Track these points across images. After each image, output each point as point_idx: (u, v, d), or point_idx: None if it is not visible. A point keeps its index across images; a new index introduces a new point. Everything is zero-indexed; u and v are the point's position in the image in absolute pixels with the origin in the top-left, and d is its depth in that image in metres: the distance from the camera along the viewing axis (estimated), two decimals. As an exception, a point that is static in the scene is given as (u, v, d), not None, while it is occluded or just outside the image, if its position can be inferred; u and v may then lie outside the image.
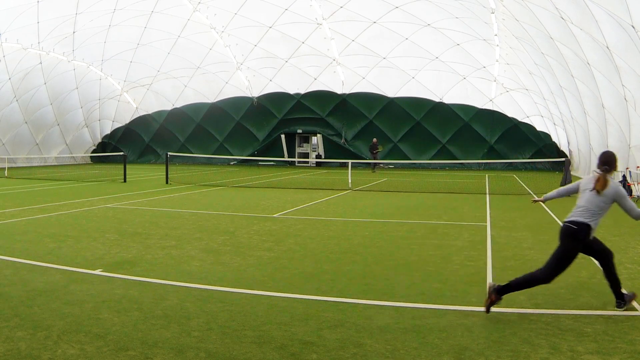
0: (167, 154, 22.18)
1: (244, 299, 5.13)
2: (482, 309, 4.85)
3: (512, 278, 5.90)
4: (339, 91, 34.55)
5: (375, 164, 29.28)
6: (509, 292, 4.75)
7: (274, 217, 10.91)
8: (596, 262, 5.10)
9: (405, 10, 26.66)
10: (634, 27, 12.27)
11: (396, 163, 33.04)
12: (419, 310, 4.78)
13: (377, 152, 29.70)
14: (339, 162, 31.00)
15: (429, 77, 31.55)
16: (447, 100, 32.58)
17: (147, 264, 6.57)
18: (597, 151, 20.77)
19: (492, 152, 32.03)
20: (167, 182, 19.60)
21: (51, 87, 32.67)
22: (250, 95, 36.25)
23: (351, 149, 34.12)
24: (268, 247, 7.67)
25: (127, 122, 39.56)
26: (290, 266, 6.48)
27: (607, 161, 4.98)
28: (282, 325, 4.35)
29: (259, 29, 30.27)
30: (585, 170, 24.22)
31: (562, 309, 4.83)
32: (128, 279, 5.79)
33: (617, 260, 6.84)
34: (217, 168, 32.11)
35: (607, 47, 14.32)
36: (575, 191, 5.20)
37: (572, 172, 19.75)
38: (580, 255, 7.21)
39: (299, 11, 28.24)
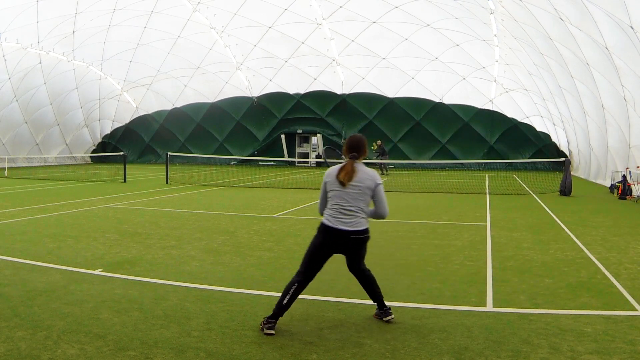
0: (167, 154, 22.17)
1: (244, 299, 5.13)
2: (482, 309, 4.85)
3: (512, 278, 5.93)
4: (338, 91, 34.56)
5: (383, 166, 28.07)
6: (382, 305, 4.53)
7: (274, 217, 10.91)
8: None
9: (405, 11, 26.67)
10: (632, 28, 12.29)
11: (396, 163, 33.03)
12: (419, 310, 4.78)
13: (385, 155, 28.37)
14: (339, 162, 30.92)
15: (428, 78, 31.56)
16: (447, 100, 32.59)
17: (147, 264, 6.57)
18: (597, 151, 20.81)
19: (492, 152, 32.05)
20: (167, 182, 19.59)
21: (51, 87, 32.66)
22: (250, 95, 36.25)
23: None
24: (268, 247, 7.67)
25: (127, 122, 39.56)
26: (290, 266, 6.48)
27: (355, 146, 4.39)
28: (282, 325, 4.35)
29: (259, 29, 30.27)
30: (585, 170, 24.24)
31: (562, 309, 4.83)
32: (128, 279, 5.79)
33: (617, 260, 6.89)
34: (217, 168, 32.11)
35: (606, 48, 14.33)
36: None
37: (572, 172, 19.75)
38: (580, 255, 7.25)
39: (298, 11, 28.24)
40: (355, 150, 4.35)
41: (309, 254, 4.36)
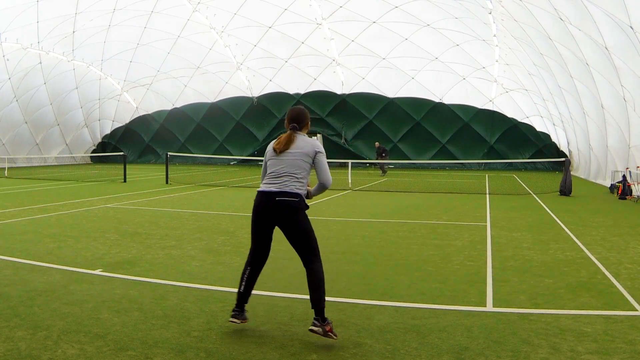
0: (167, 154, 22.18)
1: (244, 299, 5.13)
2: (482, 309, 4.85)
3: (512, 278, 5.93)
4: (338, 91, 34.56)
5: (382, 166, 28.17)
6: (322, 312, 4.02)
7: (274, 217, 10.89)
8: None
9: (404, 10, 26.67)
10: (632, 28, 12.29)
11: (396, 163, 33.04)
12: (419, 310, 4.78)
13: (385, 155, 27.89)
14: (339, 162, 31.00)
15: (428, 78, 31.57)
16: (447, 100, 32.59)
17: (147, 264, 6.57)
18: (597, 151, 20.82)
19: (492, 152, 32.05)
20: (167, 182, 19.59)
21: (51, 87, 32.67)
22: (250, 95, 36.26)
23: (351, 149, 34.13)
24: (268, 247, 7.66)
25: (127, 122, 39.57)
26: (290, 266, 6.47)
27: (295, 117, 4.27)
28: (282, 325, 4.35)
29: (259, 29, 30.28)
30: (585, 170, 24.24)
31: (562, 309, 4.83)
32: (128, 279, 5.79)
33: (617, 260, 6.89)
34: (217, 168, 32.11)
35: (606, 48, 14.33)
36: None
37: (572, 172, 19.75)
38: (580, 255, 7.25)
39: (298, 11, 28.25)
40: (296, 122, 4.24)
41: (251, 232, 4.27)
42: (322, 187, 4.26)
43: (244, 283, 4.25)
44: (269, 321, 4.44)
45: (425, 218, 10.94)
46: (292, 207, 4.07)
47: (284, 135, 4.23)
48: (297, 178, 4.13)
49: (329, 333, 3.93)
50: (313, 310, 4.01)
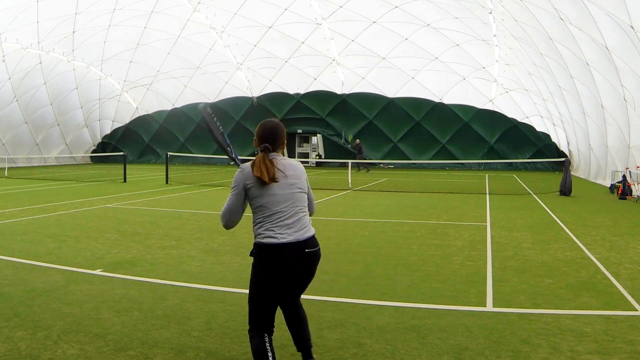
0: (167, 154, 22.18)
1: (244, 299, 5.11)
2: (482, 309, 4.85)
3: (512, 278, 5.93)
4: (338, 91, 34.56)
5: (363, 164, 29.18)
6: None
7: (274, 217, 10.89)
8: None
9: (405, 10, 26.67)
10: (633, 28, 12.28)
11: (396, 163, 33.04)
12: (419, 310, 4.78)
13: (362, 154, 29.71)
14: (339, 162, 31.02)
15: (428, 78, 31.56)
16: (447, 100, 32.59)
17: (147, 264, 6.57)
18: (597, 151, 20.81)
19: (492, 152, 32.05)
20: (167, 182, 19.59)
21: (51, 87, 32.67)
22: (250, 95, 36.26)
23: (351, 149, 34.12)
24: (268, 247, 7.66)
25: (127, 122, 39.56)
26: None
27: (269, 135, 3.23)
28: (282, 325, 4.35)
29: (259, 29, 30.28)
30: (585, 170, 24.25)
31: (562, 309, 4.83)
32: (128, 279, 5.79)
33: (616, 260, 6.89)
34: (217, 168, 32.11)
35: (606, 48, 14.33)
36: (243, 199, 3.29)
37: (572, 172, 19.75)
38: (580, 255, 7.25)
39: (298, 11, 28.25)
40: (270, 140, 3.22)
41: (259, 294, 3.13)
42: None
43: (271, 354, 3.10)
44: (269, 321, 4.44)
45: (425, 218, 10.94)
46: (318, 257, 3.25)
47: (266, 160, 3.14)
48: (306, 214, 3.27)
49: None
50: (301, 353, 3.39)
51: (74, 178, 22.51)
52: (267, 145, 3.20)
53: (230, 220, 3.32)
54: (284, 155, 3.31)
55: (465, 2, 23.16)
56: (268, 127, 3.27)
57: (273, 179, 3.13)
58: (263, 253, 3.10)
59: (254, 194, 3.19)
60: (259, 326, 3.14)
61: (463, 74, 30.70)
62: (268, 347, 3.09)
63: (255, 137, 3.30)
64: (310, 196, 3.39)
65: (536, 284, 5.70)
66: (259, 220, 3.18)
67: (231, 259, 6.86)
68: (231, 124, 37.29)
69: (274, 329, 3.20)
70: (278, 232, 3.11)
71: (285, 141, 3.34)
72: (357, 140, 30.53)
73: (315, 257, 3.20)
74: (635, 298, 5.15)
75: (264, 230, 3.14)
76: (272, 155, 3.22)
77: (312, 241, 3.18)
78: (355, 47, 30.74)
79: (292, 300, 3.39)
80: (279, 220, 3.13)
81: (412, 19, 27.09)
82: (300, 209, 3.21)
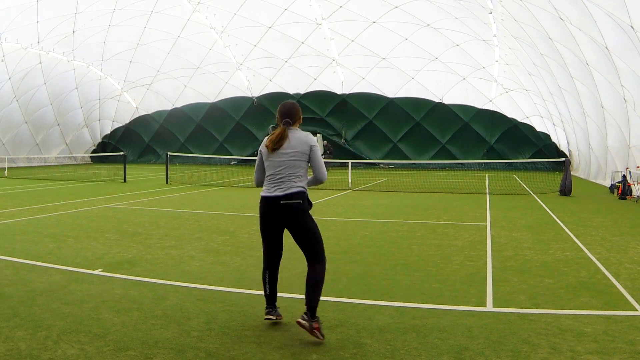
0: (167, 154, 22.18)
1: (244, 299, 5.13)
2: (482, 309, 4.85)
3: (512, 278, 5.93)
4: (338, 91, 34.57)
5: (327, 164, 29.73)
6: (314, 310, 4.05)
7: (274, 217, 10.89)
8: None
9: (405, 10, 26.68)
10: (633, 28, 12.28)
11: (396, 163, 33.05)
12: (419, 310, 4.78)
13: (329, 153, 30.15)
14: (339, 162, 31.03)
15: (428, 78, 31.58)
16: (447, 100, 32.60)
17: (147, 264, 6.57)
18: (597, 151, 20.82)
19: (492, 152, 32.06)
20: (167, 182, 19.59)
21: (51, 87, 32.68)
22: (250, 95, 36.26)
23: (351, 149, 34.13)
24: (268, 247, 7.66)
25: (127, 122, 39.58)
26: (290, 266, 6.47)
27: (288, 112, 4.22)
28: (282, 325, 4.35)
29: (259, 29, 30.28)
30: (585, 171, 24.25)
31: (562, 309, 4.83)
32: (128, 279, 5.79)
33: (616, 260, 6.89)
34: (217, 168, 32.11)
35: (606, 48, 14.32)
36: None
37: (572, 172, 19.75)
38: (580, 255, 7.25)
39: (298, 11, 28.26)
40: (289, 116, 4.20)
41: (261, 236, 4.34)
42: (316, 181, 4.31)
43: (267, 286, 4.34)
44: (268, 321, 4.44)
45: (425, 218, 10.94)
46: (297, 209, 4.11)
47: (277, 132, 4.16)
48: (298, 177, 4.14)
49: (315, 331, 3.93)
50: (305, 307, 4.02)
51: (74, 178, 22.51)
52: (288, 119, 4.18)
53: (256, 178, 4.50)
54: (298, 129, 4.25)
55: (465, 2, 23.17)
56: (287, 106, 4.25)
57: (274, 149, 4.13)
58: (260, 202, 4.27)
59: (265, 159, 4.26)
60: (264, 262, 4.36)
61: (463, 74, 30.70)
62: (267, 280, 4.33)
63: (277, 115, 4.24)
64: (313, 162, 4.18)
65: (536, 284, 5.70)
66: (265, 179, 4.27)
67: (231, 259, 6.86)
68: (231, 124, 37.31)
69: (276, 268, 4.36)
70: (267, 188, 4.21)
71: (301, 117, 4.31)
72: (325, 142, 31.07)
73: (289, 207, 4.07)
74: (635, 298, 5.15)
75: (264, 186, 4.28)
76: (291, 129, 4.17)
77: (290, 196, 4.07)
78: (355, 47, 30.74)
79: (307, 256, 4.17)
80: (271, 179, 4.19)
81: (412, 19, 27.10)
82: (291, 173, 4.11)
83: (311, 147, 4.15)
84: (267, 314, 4.32)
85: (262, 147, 4.26)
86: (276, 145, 4.11)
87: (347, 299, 5.11)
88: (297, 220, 4.13)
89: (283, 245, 4.40)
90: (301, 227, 4.15)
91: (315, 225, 4.22)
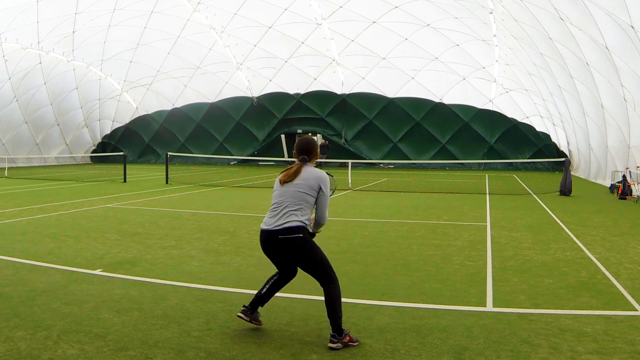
0: (167, 154, 22.18)
1: (244, 299, 5.13)
2: (482, 309, 4.85)
3: (512, 278, 5.93)
4: (338, 91, 34.56)
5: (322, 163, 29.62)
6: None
7: (274, 217, 10.89)
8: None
9: (405, 10, 26.67)
10: (633, 28, 12.28)
11: (396, 163, 33.05)
12: (419, 310, 4.78)
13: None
14: (339, 162, 31.03)
15: (428, 78, 31.57)
16: (447, 100, 32.59)
17: (147, 264, 6.57)
18: (597, 151, 20.82)
19: (492, 152, 32.05)
20: (167, 182, 19.59)
21: (51, 87, 32.67)
22: (250, 95, 36.26)
23: (351, 149, 34.12)
24: (268, 247, 7.66)
25: (127, 122, 39.57)
26: (290, 266, 6.47)
27: (305, 149, 4.21)
28: (282, 326, 4.35)
29: (259, 29, 30.28)
30: (585, 171, 24.24)
31: (562, 309, 4.83)
32: (128, 279, 5.79)
33: (616, 260, 6.89)
34: (217, 168, 32.11)
35: (607, 48, 14.32)
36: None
37: (572, 172, 19.75)
38: (580, 255, 7.25)
39: (298, 11, 28.25)
40: (305, 153, 4.19)
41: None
42: (317, 224, 4.18)
43: (267, 285, 4.30)
44: (269, 321, 4.45)
45: (425, 218, 10.94)
46: (297, 243, 3.98)
47: (293, 168, 4.13)
48: (300, 210, 4.01)
49: (350, 344, 3.89)
50: (331, 327, 3.93)
51: (74, 178, 22.51)
52: (305, 156, 4.19)
53: None
54: (314, 165, 4.26)
55: (465, 2, 23.16)
56: (304, 142, 4.26)
57: (284, 182, 4.11)
58: (260, 235, 4.17)
59: (275, 188, 4.24)
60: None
61: (463, 74, 30.70)
62: (272, 280, 4.32)
63: (294, 150, 4.28)
64: (320, 203, 4.08)
65: (536, 284, 5.70)
66: (270, 209, 4.18)
67: (231, 259, 6.86)
68: (231, 124, 37.30)
69: (287, 280, 4.35)
70: (266, 220, 4.11)
71: (318, 152, 4.33)
72: (323, 140, 31.21)
73: (288, 242, 3.97)
74: (635, 298, 5.15)
75: (266, 216, 4.17)
76: (306, 166, 4.15)
77: (289, 230, 3.95)
78: (355, 47, 30.74)
79: (319, 282, 4.06)
80: (272, 211, 4.11)
81: (412, 19, 27.09)
82: (291, 205, 4.01)
83: (321, 187, 4.05)
84: (242, 312, 4.23)
85: (277, 179, 4.24)
86: (289, 179, 4.08)
87: (347, 299, 5.10)
88: (299, 254, 4.03)
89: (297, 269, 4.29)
90: (305, 260, 4.06)
91: (319, 252, 4.07)
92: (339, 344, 3.86)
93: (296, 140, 4.33)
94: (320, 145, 30.45)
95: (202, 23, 29.91)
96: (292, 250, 4.00)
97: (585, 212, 12.01)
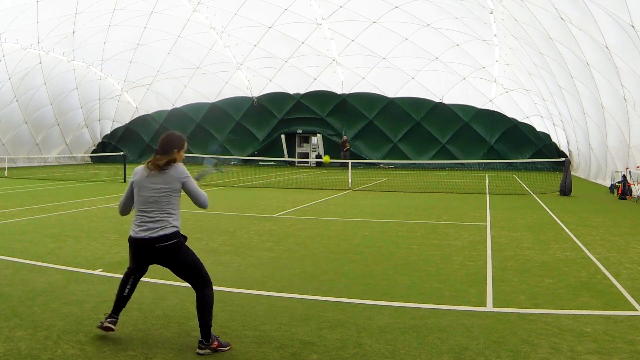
0: (167, 154, 22.12)
1: (244, 299, 5.13)
2: (482, 309, 4.85)
3: (512, 278, 5.93)
4: (338, 91, 34.56)
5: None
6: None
7: (274, 217, 10.91)
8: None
9: (405, 10, 26.67)
10: (633, 27, 12.28)
11: (396, 163, 33.05)
12: (419, 310, 4.78)
13: (347, 150, 30.62)
14: (339, 162, 31.02)
15: (428, 78, 31.57)
16: (447, 100, 32.59)
17: (147, 264, 6.56)
18: (597, 151, 20.81)
19: (492, 152, 32.05)
20: (167, 182, 19.56)
21: (51, 87, 32.66)
22: (250, 95, 36.27)
23: (351, 149, 34.12)
24: (268, 247, 7.67)
25: (127, 122, 39.56)
26: (290, 266, 6.48)
27: (161, 144, 4.03)
28: (282, 325, 4.35)
29: (259, 29, 30.28)
30: (585, 171, 24.25)
31: (562, 309, 4.83)
32: (128, 279, 5.78)
33: (616, 260, 6.89)
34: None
35: (607, 47, 14.32)
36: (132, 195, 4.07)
37: (572, 172, 19.75)
38: (580, 255, 7.25)
39: (298, 11, 28.25)
40: (162, 150, 3.99)
41: (130, 257, 4.10)
42: (201, 207, 4.13)
43: (129, 287, 4.13)
44: (269, 321, 4.44)
45: (425, 218, 10.94)
46: (174, 249, 3.91)
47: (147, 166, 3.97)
48: (169, 212, 3.90)
49: (219, 349, 3.76)
50: (200, 332, 3.81)
51: (74, 178, 22.51)
52: (165, 150, 4.05)
53: (120, 207, 4.31)
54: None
55: (465, 2, 23.16)
56: (162, 138, 4.12)
57: (145, 182, 4.04)
58: (129, 241, 4.01)
59: (135, 185, 4.11)
60: (131, 269, 4.12)
61: (463, 74, 30.70)
62: (130, 282, 4.14)
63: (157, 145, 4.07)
64: (190, 195, 4.03)
65: (536, 284, 5.70)
66: (134, 212, 4.09)
67: (231, 259, 6.86)
68: (231, 124, 37.30)
69: (139, 277, 4.19)
70: (138, 225, 3.95)
71: (182, 147, 4.11)
72: (344, 137, 31.58)
73: (163, 250, 3.91)
74: (635, 298, 5.15)
75: (133, 222, 4.02)
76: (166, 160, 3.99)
77: (165, 237, 3.87)
78: (355, 47, 30.73)
79: (193, 286, 3.99)
80: (142, 217, 3.97)
81: (412, 19, 27.09)
82: (159, 210, 3.92)
83: (183, 181, 3.94)
84: (109, 322, 3.96)
85: (135, 177, 4.12)
86: (148, 175, 3.99)
87: (347, 299, 5.11)
88: (175, 259, 3.95)
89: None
90: (180, 265, 3.98)
91: (193, 255, 4.05)
92: (208, 350, 3.73)
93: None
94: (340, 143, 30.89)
95: (202, 23, 29.91)
96: (168, 257, 3.94)
97: (585, 212, 12.01)
